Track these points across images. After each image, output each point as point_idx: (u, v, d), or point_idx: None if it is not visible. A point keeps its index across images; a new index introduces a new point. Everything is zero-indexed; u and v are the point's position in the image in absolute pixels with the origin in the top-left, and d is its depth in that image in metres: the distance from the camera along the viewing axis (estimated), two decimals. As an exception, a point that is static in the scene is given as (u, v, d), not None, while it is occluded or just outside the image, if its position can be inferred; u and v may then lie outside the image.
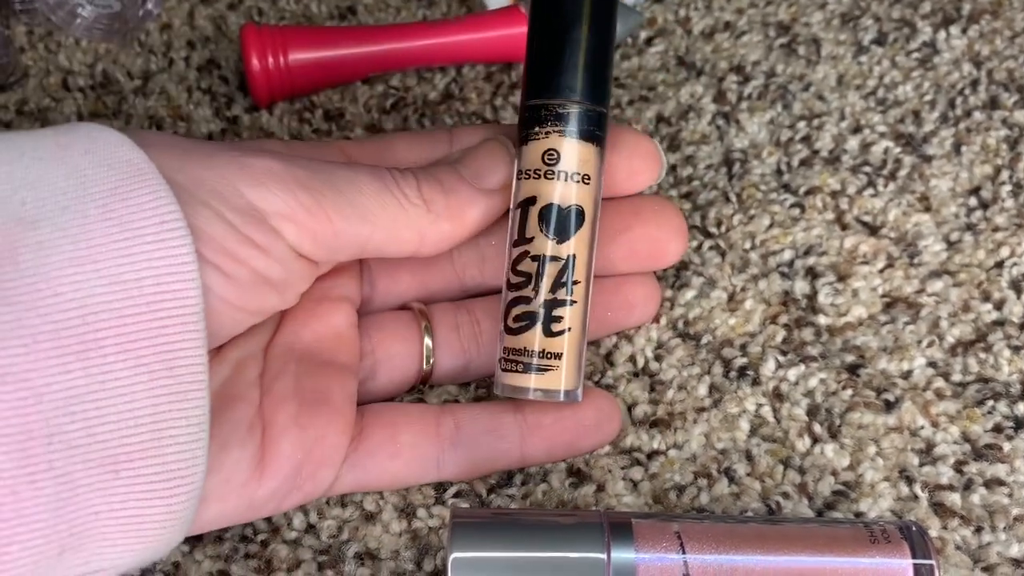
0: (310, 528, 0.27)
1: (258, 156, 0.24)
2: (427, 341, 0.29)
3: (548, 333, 0.26)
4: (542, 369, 0.26)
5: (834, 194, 0.35)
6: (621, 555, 0.24)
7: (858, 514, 0.27)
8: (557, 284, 0.26)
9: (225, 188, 0.23)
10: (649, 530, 0.24)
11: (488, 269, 0.30)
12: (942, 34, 0.40)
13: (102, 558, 0.21)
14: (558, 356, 0.26)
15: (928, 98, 0.38)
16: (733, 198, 0.35)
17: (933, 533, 0.26)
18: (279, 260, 0.24)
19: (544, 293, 0.26)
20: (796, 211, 0.34)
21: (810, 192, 0.35)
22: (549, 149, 0.27)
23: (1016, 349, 0.30)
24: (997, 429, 0.28)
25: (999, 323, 0.31)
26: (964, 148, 0.36)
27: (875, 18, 0.40)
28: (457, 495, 0.28)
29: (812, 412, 0.29)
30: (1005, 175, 0.35)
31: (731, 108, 0.38)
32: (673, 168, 0.36)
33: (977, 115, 0.37)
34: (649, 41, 0.41)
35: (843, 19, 0.41)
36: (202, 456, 0.22)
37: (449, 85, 0.40)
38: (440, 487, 0.28)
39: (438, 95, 0.39)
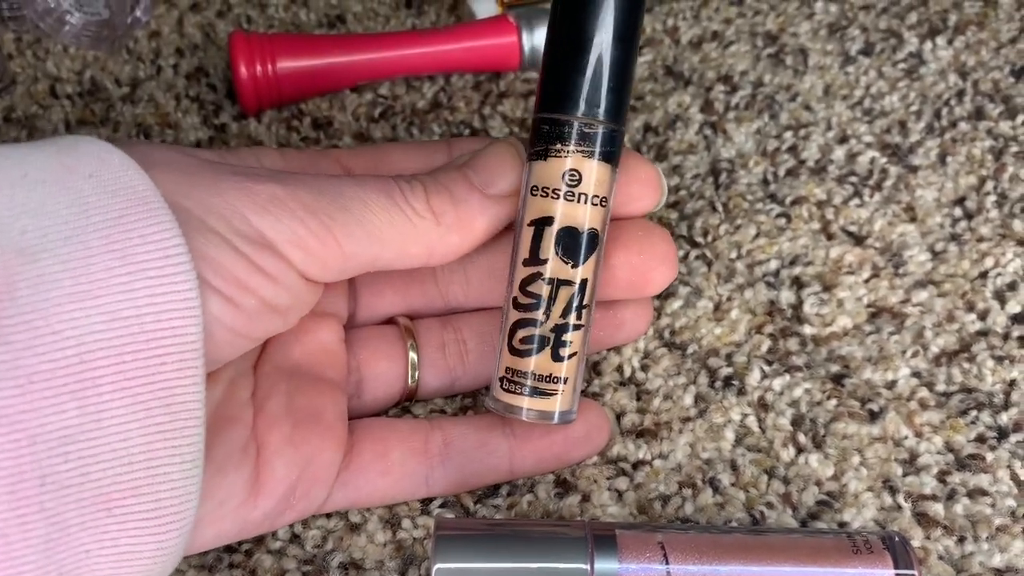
0: (295, 538, 0.27)
1: (262, 182, 0.24)
2: (412, 357, 0.29)
3: (556, 358, 0.26)
4: (544, 393, 0.26)
5: (820, 204, 0.35)
6: (605, 566, 0.24)
7: (842, 524, 0.27)
8: (568, 309, 0.26)
9: (233, 216, 0.23)
10: (633, 541, 0.24)
11: (472, 289, 0.30)
12: (928, 45, 0.40)
13: None
14: (562, 380, 0.26)
15: (914, 108, 0.38)
16: (720, 208, 0.35)
17: (916, 543, 0.26)
18: (287, 288, 0.24)
19: (555, 318, 0.26)
20: (782, 221, 0.34)
21: (796, 202, 0.35)
22: (572, 169, 0.26)
23: (1000, 359, 0.30)
24: (980, 439, 0.29)
25: (983, 333, 0.31)
26: (949, 158, 0.36)
27: (862, 29, 0.41)
28: (443, 506, 0.28)
29: (797, 422, 0.29)
30: (990, 185, 0.35)
31: (718, 118, 0.38)
32: (660, 177, 0.36)
33: (963, 126, 0.37)
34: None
35: (830, 29, 0.41)
36: (195, 492, 0.22)
37: (437, 94, 0.40)
38: (426, 498, 0.28)
39: (426, 104, 0.39)
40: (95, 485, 0.20)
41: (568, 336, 0.26)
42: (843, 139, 0.37)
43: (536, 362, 0.26)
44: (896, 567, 0.24)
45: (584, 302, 0.26)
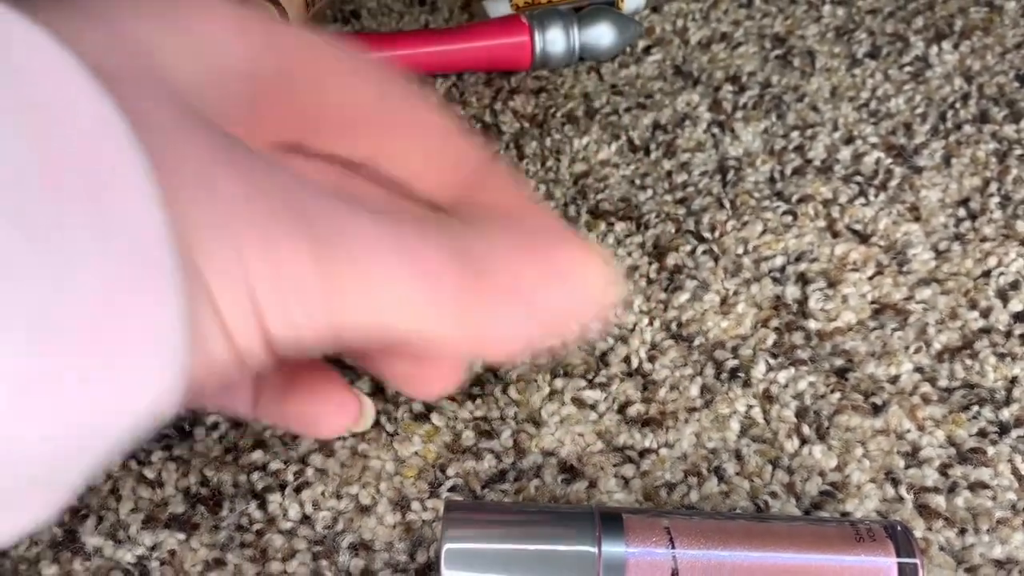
0: (305, 519, 0.28)
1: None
2: None
3: None
4: None
5: (826, 202, 0.35)
6: (612, 549, 0.24)
7: (844, 514, 0.27)
8: None
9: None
10: (639, 525, 0.25)
11: None
12: (934, 49, 0.40)
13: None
14: None
15: (920, 111, 0.38)
16: (727, 204, 0.35)
17: (918, 534, 0.27)
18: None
19: None
20: (788, 218, 0.35)
21: (802, 200, 0.35)
22: None
23: (1001, 356, 0.31)
24: (982, 434, 0.29)
25: (985, 331, 0.32)
26: (954, 160, 0.36)
27: (869, 32, 0.41)
28: (451, 489, 0.28)
29: (801, 414, 0.30)
30: (994, 187, 0.35)
31: (726, 117, 0.39)
32: (669, 174, 0.37)
33: (967, 128, 0.37)
34: (647, 50, 0.41)
35: (838, 32, 0.41)
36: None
37: (450, 89, 0.40)
38: (435, 481, 0.28)
39: (439, 99, 0.40)
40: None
41: None
42: (849, 140, 0.37)
43: None
44: (898, 555, 0.24)
45: None
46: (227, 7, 0.21)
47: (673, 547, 0.24)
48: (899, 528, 0.25)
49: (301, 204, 0.18)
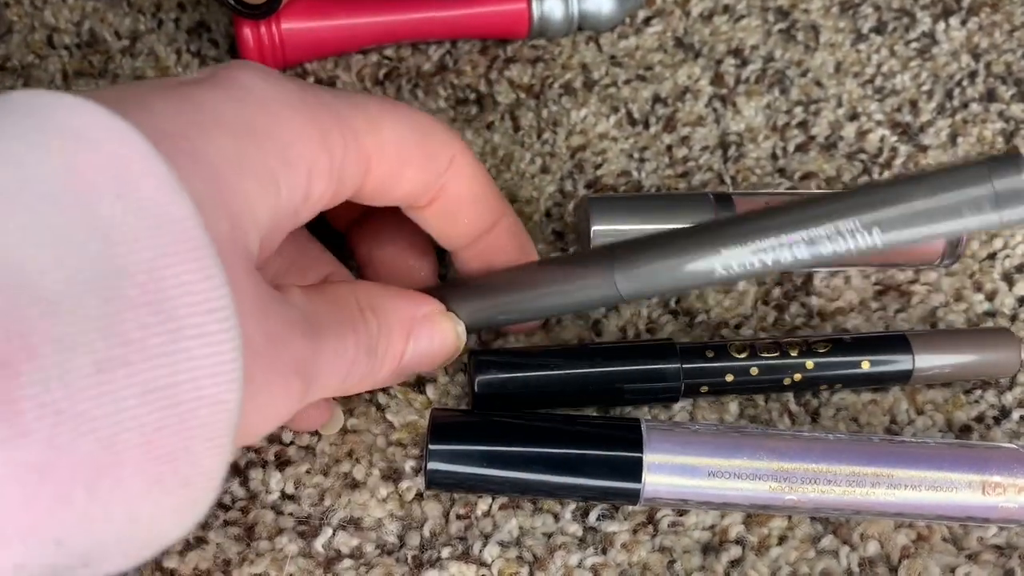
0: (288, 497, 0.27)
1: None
2: None
3: None
4: None
5: (829, 180, 0.34)
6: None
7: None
8: None
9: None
10: (745, 202, 0.30)
11: None
12: (941, 25, 0.39)
13: None
14: None
15: (926, 88, 0.37)
16: (728, 180, 0.35)
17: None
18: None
19: None
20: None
21: (805, 177, 0.34)
22: None
23: (1006, 340, 0.30)
24: (979, 419, 0.28)
25: (990, 314, 0.31)
26: (960, 139, 0.36)
27: (875, 7, 0.40)
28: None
29: (798, 394, 0.29)
30: (1000, 167, 0.35)
31: (728, 91, 0.38)
32: (668, 149, 0.36)
33: (974, 107, 0.37)
34: (647, 21, 0.40)
35: (842, 7, 0.40)
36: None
37: (443, 57, 0.39)
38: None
39: (432, 67, 0.39)
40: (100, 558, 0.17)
41: None
42: (853, 116, 0.37)
43: None
44: None
45: None
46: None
47: None
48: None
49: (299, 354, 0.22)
